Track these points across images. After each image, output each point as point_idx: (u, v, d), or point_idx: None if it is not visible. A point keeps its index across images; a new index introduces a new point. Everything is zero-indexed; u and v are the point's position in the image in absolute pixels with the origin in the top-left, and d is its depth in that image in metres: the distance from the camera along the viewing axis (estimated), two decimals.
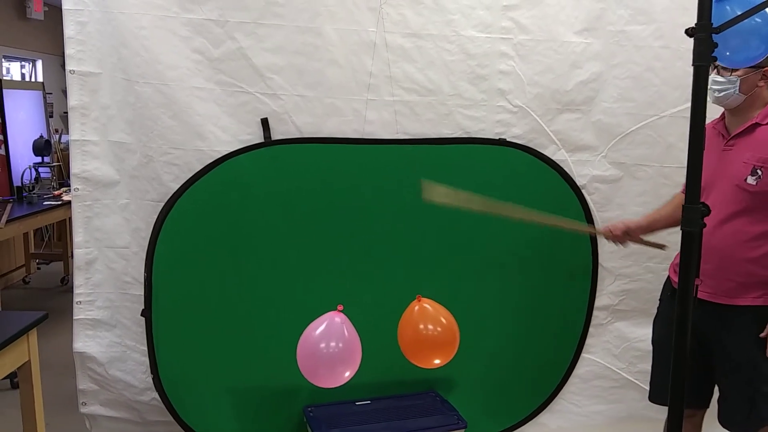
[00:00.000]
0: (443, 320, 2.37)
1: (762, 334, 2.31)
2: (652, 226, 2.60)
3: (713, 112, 2.44)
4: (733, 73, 2.29)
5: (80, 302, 2.97)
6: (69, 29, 2.76)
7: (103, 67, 2.81)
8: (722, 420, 2.49)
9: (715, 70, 2.32)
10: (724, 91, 2.32)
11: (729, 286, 2.35)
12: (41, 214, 4.88)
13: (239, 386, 3.01)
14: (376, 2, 2.83)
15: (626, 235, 2.59)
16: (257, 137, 2.89)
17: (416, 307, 2.41)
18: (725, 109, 2.43)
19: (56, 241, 6.82)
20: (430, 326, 2.35)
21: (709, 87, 2.27)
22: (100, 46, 2.79)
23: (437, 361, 2.38)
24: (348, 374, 2.24)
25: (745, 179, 2.29)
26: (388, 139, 2.97)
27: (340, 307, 2.26)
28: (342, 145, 2.93)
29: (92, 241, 2.94)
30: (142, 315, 2.89)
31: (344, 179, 2.96)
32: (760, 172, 2.27)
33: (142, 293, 2.89)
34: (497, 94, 2.99)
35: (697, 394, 2.59)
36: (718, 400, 2.51)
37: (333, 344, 2.21)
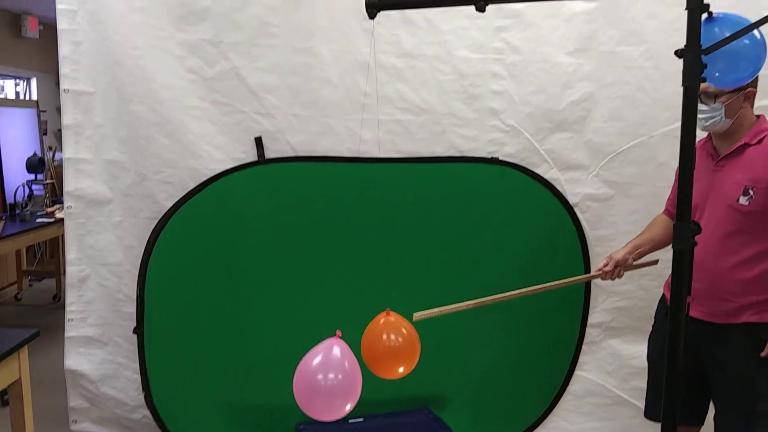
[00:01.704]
0: (404, 330, 2.31)
1: (763, 354, 2.32)
2: (638, 251, 2.60)
3: (702, 131, 2.47)
4: (717, 100, 2.31)
5: (72, 319, 2.96)
6: (64, 49, 2.78)
7: (98, 86, 2.83)
8: None
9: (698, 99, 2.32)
10: (711, 119, 2.33)
11: (725, 307, 2.36)
12: (34, 231, 4.87)
13: (231, 404, 3.00)
14: (369, 23, 2.85)
15: (618, 268, 2.59)
16: (251, 156, 2.90)
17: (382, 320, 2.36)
18: (712, 132, 2.45)
19: (49, 258, 6.80)
20: (392, 336, 2.29)
21: None
22: (95, 65, 2.81)
23: (401, 370, 2.33)
24: (348, 407, 2.19)
25: (737, 200, 2.30)
26: (382, 158, 2.98)
27: (339, 333, 2.23)
28: (336, 163, 2.95)
29: (85, 259, 2.94)
30: (134, 332, 2.89)
31: (338, 198, 2.97)
32: (751, 192, 2.28)
33: (135, 311, 2.89)
34: (490, 113, 3.02)
35: (692, 412, 2.59)
36: (714, 417, 2.52)
37: (331, 376, 2.12)
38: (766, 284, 2.32)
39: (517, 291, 2.52)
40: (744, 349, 2.35)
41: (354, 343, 2.29)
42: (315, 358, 2.13)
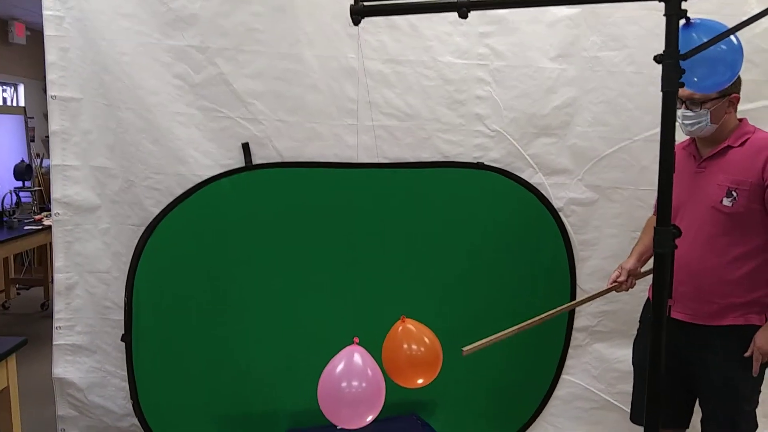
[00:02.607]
0: (426, 340, 2.36)
1: (746, 354, 2.34)
2: (644, 258, 2.65)
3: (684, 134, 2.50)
4: (702, 107, 2.34)
5: (60, 327, 2.96)
6: (51, 55, 2.78)
7: (85, 92, 2.83)
8: None
9: (683, 106, 2.36)
10: (697, 124, 2.36)
11: (710, 308, 2.39)
12: (22, 238, 4.86)
13: (220, 411, 3.00)
14: (354, 29, 2.86)
15: (630, 278, 2.61)
16: (238, 162, 2.91)
17: (400, 328, 2.41)
18: (696, 137, 2.48)
19: (37, 266, 6.77)
20: (413, 346, 2.33)
21: (680, 122, 2.34)
22: (82, 71, 2.81)
23: (420, 381, 2.37)
24: (371, 418, 2.20)
25: (721, 201, 2.33)
26: (368, 163, 3.00)
27: (356, 340, 2.23)
28: (323, 169, 2.96)
29: (72, 266, 2.94)
30: (122, 340, 2.88)
31: (325, 203, 2.98)
32: (735, 193, 2.31)
33: (123, 318, 2.88)
34: (475, 118, 3.04)
35: (678, 415, 2.61)
36: (701, 421, 2.54)
37: (356, 384, 2.10)
38: (751, 285, 2.35)
39: (547, 313, 2.59)
40: (729, 351, 2.38)
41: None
42: (339, 365, 2.13)
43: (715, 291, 2.38)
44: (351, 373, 2.12)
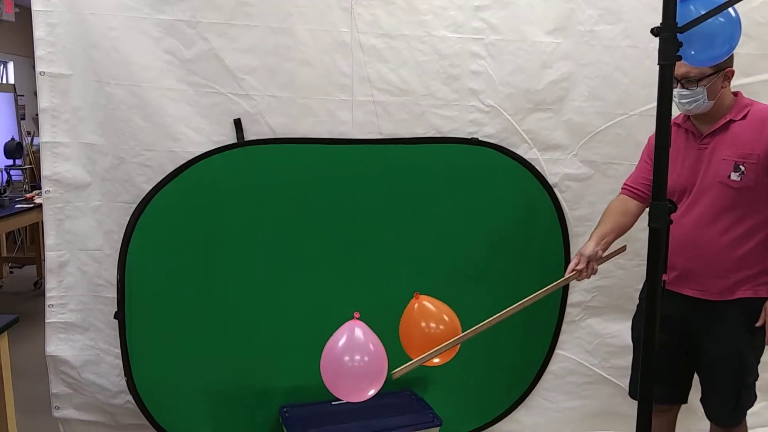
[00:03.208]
0: (446, 318, 2.33)
1: (758, 323, 2.35)
2: (604, 241, 2.53)
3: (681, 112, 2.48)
4: (699, 84, 2.32)
5: (52, 305, 2.94)
6: (39, 30, 2.74)
7: (74, 68, 2.79)
8: (710, 414, 2.52)
9: (679, 85, 2.33)
10: (694, 102, 2.34)
11: (721, 283, 2.39)
12: (13, 217, 4.83)
13: (214, 387, 3.00)
14: (348, 2, 2.84)
15: (590, 263, 2.49)
16: (230, 138, 2.88)
17: (416, 305, 2.35)
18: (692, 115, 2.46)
19: (29, 245, 6.75)
20: (432, 324, 2.30)
21: (676, 101, 2.33)
22: (71, 47, 2.77)
23: (437, 360, 2.35)
24: (373, 391, 2.20)
25: (729, 176, 2.32)
26: (362, 139, 2.97)
27: (357, 315, 2.22)
28: (316, 145, 2.94)
29: (64, 244, 2.92)
30: (115, 317, 2.87)
31: (318, 179, 2.96)
32: (743, 167, 2.30)
33: (115, 295, 2.87)
34: (469, 93, 3.01)
35: (676, 391, 2.63)
36: (703, 395, 2.54)
37: (357, 357, 2.11)
38: (759, 257, 2.37)
39: (503, 312, 2.47)
40: (737, 323, 2.39)
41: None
42: (341, 340, 2.13)
43: (725, 267, 2.38)
44: (354, 348, 2.13)
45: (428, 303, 2.34)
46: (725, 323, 2.41)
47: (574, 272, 2.49)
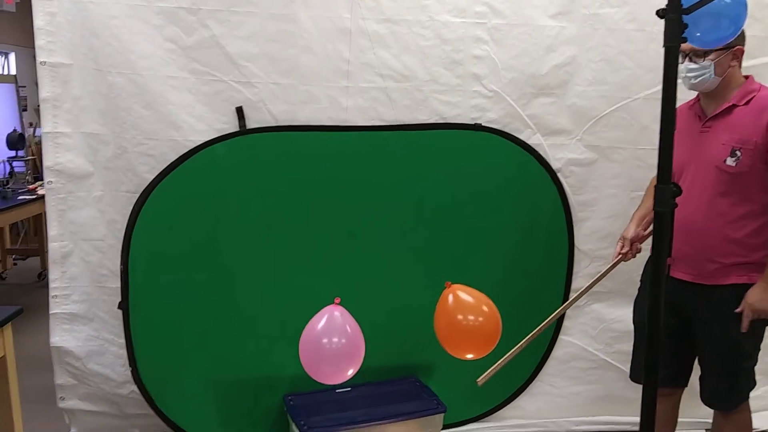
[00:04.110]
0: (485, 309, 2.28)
1: (737, 309, 2.35)
2: (645, 221, 2.63)
3: (688, 93, 2.47)
4: (706, 58, 2.31)
5: (56, 296, 2.94)
6: (39, 20, 2.72)
7: (74, 57, 2.78)
8: (704, 398, 2.53)
9: (687, 58, 2.33)
10: (700, 76, 2.33)
11: (713, 268, 2.39)
12: (16, 208, 4.83)
13: (218, 376, 3.01)
14: None
15: (634, 244, 2.62)
16: (232, 126, 2.87)
17: (451, 296, 2.28)
18: (700, 93, 2.45)
19: (32, 236, 6.75)
20: (481, 319, 2.25)
21: (683, 75, 2.31)
22: (71, 36, 2.75)
23: (470, 356, 2.32)
24: (351, 372, 2.20)
25: (725, 161, 2.32)
26: (365, 126, 2.96)
27: (338, 300, 2.23)
28: (318, 132, 2.92)
29: (67, 234, 2.91)
30: (119, 307, 2.87)
31: (321, 167, 2.95)
32: (739, 153, 2.30)
33: (119, 286, 2.87)
34: (472, 79, 2.99)
35: (677, 373, 2.63)
36: (700, 379, 2.55)
37: (336, 340, 2.15)
38: (754, 244, 2.36)
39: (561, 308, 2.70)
40: (731, 309, 2.39)
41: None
42: (318, 323, 2.15)
43: (718, 251, 2.38)
44: (328, 330, 2.15)
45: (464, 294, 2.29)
46: (719, 308, 2.41)
47: (620, 256, 2.62)
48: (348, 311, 2.24)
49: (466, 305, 2.25)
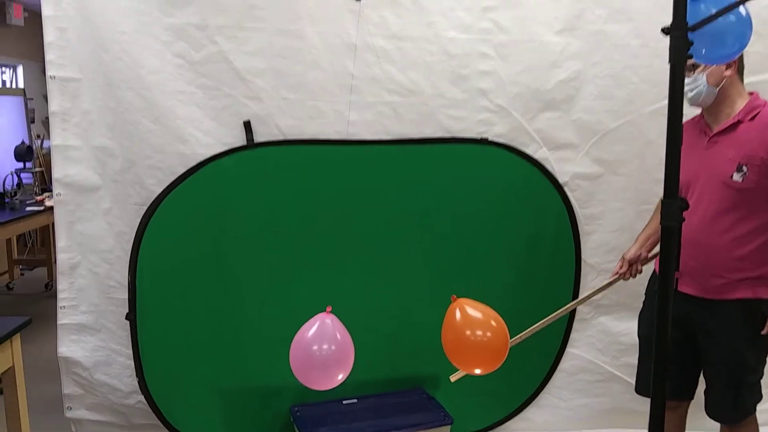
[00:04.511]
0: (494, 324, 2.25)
1: (764, 331, 2.35)
2: (650, 242, 2.65)
3: (693, 109, 2.48)
4: (695, 71, 2.32)
5: (64, 307, 2.96)
6: (49, 35, 2.76)
7: (84, 72, 2.81)
8: (709, 411, 2.53)
9: None
10: (695, 89, 2.34)
11: (719, 283, 2.39)
12: (24, 219, 4.86)
13: (225, 387, 3.02)
14: (356, 4, 2.84)
15: (633, 265, 2.65)
16: (240, 140, 2.89)
17: (458, 311, 2.25)
18: (703, 108, 2.46)
19: (39, 247, 6.78)
20: (489, 333, 2.23)
21: None
22: (81, 51, 2.79)
23: (478, 371, 2.32)
24: (341, 377, 2.23)
25: (731, 176, 2.32)
26: (371, 140, 2.98)
27: (329, 309, 2.26)
28: (325, 146, 2.94)
29: (75, 246, 2.94)
30: (126, 318, 2.89)
31: (327, 180, 2.97)
32: (745, 168, 2.30)
33: (126, 297, 2.89)
34: (479, 93, 3.01)
35: (683, 386, 2.63)
36: (705, 392, 2.55)
37: (326, 347, 2.19)
38: (760, 260, 2.36)
39: (543, 321, 2.69)
40: (736, 324, 2.39)
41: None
42: (308, 331, 2.18)
43: (724, 266, 2.38)
44: (317, 338, 2.17)
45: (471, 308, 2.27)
46: (724, 322, 2.41)
47: (617, 275, 2.66)
48: (339, 319, 2.25)
49: (474, 321, 2.24)
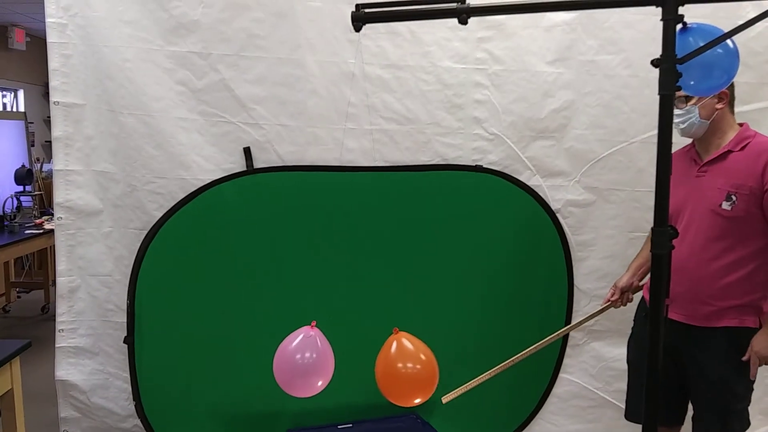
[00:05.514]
0: (422, 357, 2.25)
1: (744, 358, 2.37)
2: (641, 270, 2.70)
3: (683, 139, 2.53)
4: (688, 104, 2.37)
5: (62, 330, 2.98)
6: (53, 62, 2.81)
7: (87, 98, 2.86)
8: None
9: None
10: (687, 121, 2.39)
11: (706, 310, 2.41)
12: (22, 242, 4.88)
13: (222, 412, 3.02)
14: (355, 34, 2.91)
15: (625, 293, 2.70)
16: (240, 166, 2.94)
17: (394, 344, 2.28)
18: (694, 139, 2.50)
19: (37, 270, 6.78)
20: (409, 364, 2.23)
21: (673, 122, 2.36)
22: (84, 78, 2.84)
23: (417, 401, 2.33)
24: (321, 384, 2.25)
25: (720, 205, 2.35)
26: (368, 167, 3.03)
27: (314, 323, 2.29)
28: (323, 172, 2.99)
29: (75, 270, 2.96)
30: (124, 342, 2.91)
31: (325, 206, 3.01)
32: (734, 197, 2.32)
33: (125, 320, 2.91)
34: (473, 122, 3.07)
35: (672, 412, 2.64)
36: (693, 419, 2.57)
37: (307, 355, 2.22)
38: (747, 288, 2.37)
39: (534, 346, 2.79)
40: (723, 352, 2.40)
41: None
42: (291, 342, 2.22)
43: (711, 293, 2.40)
44: (299, 348, 2.24)
45: (407, 341, 2.28)
46: (710, 350, 2.42)
47: (609, 303, 2.72)
48: (324, 335, 2.28)
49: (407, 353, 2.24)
